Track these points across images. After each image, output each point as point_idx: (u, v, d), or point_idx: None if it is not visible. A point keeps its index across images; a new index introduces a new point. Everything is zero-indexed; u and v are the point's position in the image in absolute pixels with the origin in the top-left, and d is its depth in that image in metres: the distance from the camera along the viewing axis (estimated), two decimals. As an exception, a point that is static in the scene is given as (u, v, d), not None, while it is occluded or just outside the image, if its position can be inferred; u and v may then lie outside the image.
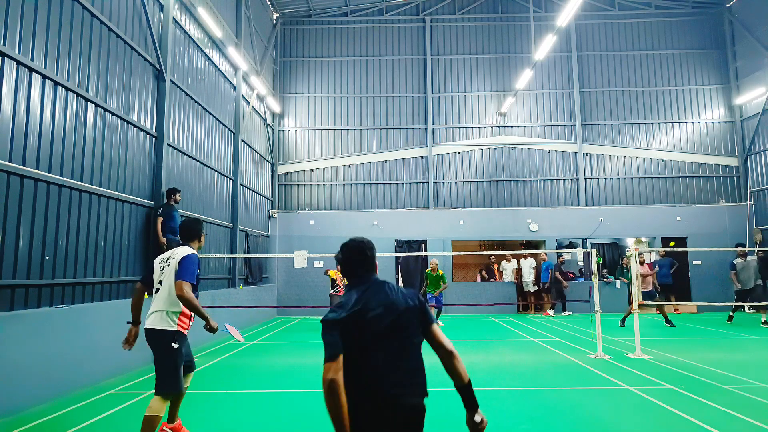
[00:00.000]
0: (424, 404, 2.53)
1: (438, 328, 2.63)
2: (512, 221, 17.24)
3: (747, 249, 12.88)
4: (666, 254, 15.53)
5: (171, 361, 4.15)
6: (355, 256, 2.70)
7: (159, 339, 4.16)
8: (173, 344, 4.15)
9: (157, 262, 4.44)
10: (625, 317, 12.70)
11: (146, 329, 4.22)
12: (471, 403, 2.53)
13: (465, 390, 2.56)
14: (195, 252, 4.39)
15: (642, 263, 13.12)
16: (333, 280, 13.26)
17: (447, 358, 2.59)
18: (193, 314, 4.30)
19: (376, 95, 18.64)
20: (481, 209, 17.67)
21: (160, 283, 4.31)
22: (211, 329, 4.25)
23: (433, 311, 12.77)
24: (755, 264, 12.73)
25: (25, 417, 5.30)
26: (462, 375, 2.58)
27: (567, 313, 15.99)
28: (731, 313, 13.40)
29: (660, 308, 12.94)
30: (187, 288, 4.11)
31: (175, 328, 4.20)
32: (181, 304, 4.16)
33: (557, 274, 15.95)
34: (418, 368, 2.56)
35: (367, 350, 2.47)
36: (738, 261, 12.86)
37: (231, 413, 5.53)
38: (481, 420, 2.51)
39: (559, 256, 16.04)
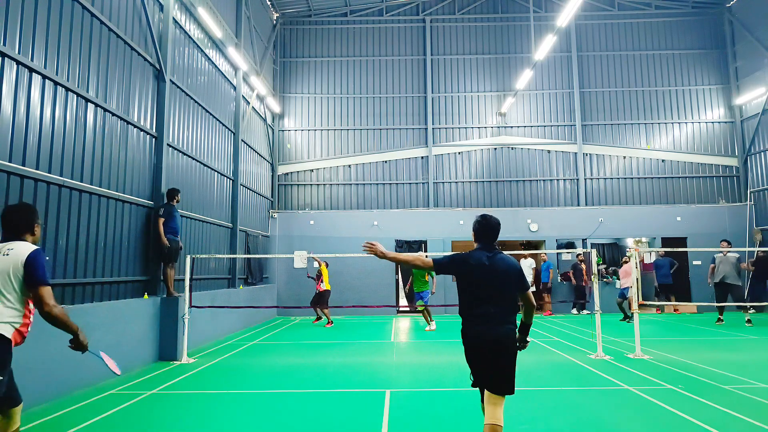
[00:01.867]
0: (501, 338, 3.70)
1: (530, 294, 3.89)
2: (512, 221, 17.24)
3: (729, 248, 12.58)
4: (666, 254, 15.53)
5: None
6: (486, 228, 3.90)
7: None
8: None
9: None
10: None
11: None
12: (526, 331, 3.91)
13: (527, 326, 3.92)
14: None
15: (626, 262, 13.73)
16: (320, 274, 13.55)
17: (527, 309, 3.92)
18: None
19: (376, 95, 18.64)
20: (481, 209, 17.64)
21: None
22: (80, 346, 3.46)
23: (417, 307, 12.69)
24: (734, 260, 12.52)
25: (25, 417, 5.29)
26: (528, 321, 3.92)
27: (585, 312, 15.99)
28: (720, 316, 13.08)
29: (620, 304, 13.77)
30: (51, 297, 3.27)
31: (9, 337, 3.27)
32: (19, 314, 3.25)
33: (570, 273, 16.18)
34: (508, 312, 3.77)
35: (465, 291, 3.84)
36: (718, 255, 12.72)
37: (231, 413, 5.53)
38: (526, 341, 3.91)
39: (578, 254, 15.97)
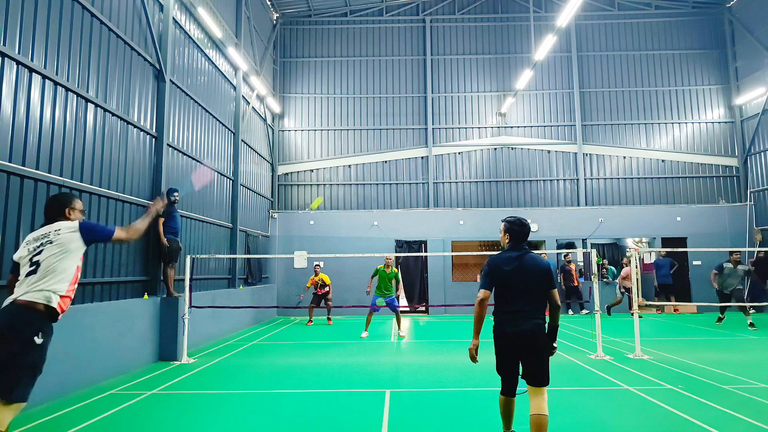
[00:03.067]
0: (531, 333, 3.96)
1: (555, 292, 4.06)
2: (512, 221, 17.23)
3: (739, 256, 12.36)
4: (666, 254, 15.53)
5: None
6: (518, 228, 4.17)
7: (24, 324, 3.43)
8: (36, 338, 3.46)
9: (27, 245, 3.69)
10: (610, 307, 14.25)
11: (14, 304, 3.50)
12: (554, 337, 4.13)
13: (554, 329, 4.12)
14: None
15: (626, 264, 13.92)
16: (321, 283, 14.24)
17: (553, 310, 4.10)
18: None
19: (376, 95, 18.64)
20: (481, 209, 17.67)
21: (36, 264, 3.57)
22: (159, 207, 4.18)
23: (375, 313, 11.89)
24: (742, 273, 12.31)
25: (25, 417, 5.29)
26: (554, 323, 4.11)
27: (585, 312, 15.97)
28: (721, 315, 13.10)
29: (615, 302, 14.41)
30: (122, 233, 3.92)
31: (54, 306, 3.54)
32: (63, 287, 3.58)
33: (561, 276, 15.94)
34: (537, 308, 4.03)
35: (498, 291, 4.11)
36: (727, 265, 12.30)
37: (231, 413, 5.53)
38: (554, 347, 4.15)
39: (565, 255, 16.00)
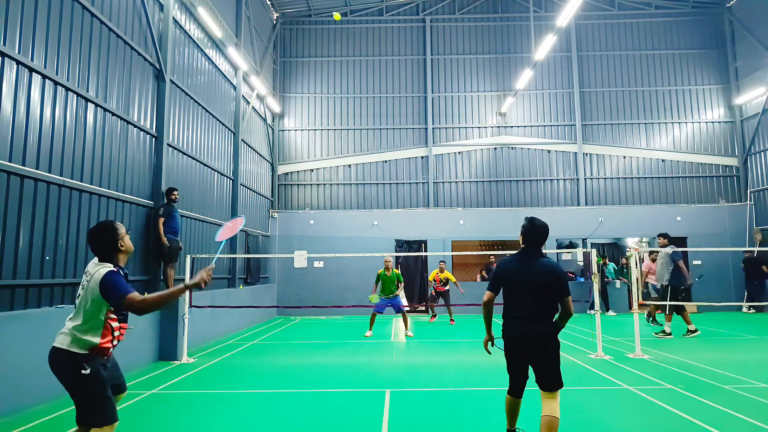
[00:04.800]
0: (543, 336, 3.89)
1: (569, 299, 3.91)
2: (512, 221, 17.23)
3: (665, 240, 10.87)
4: None
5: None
6: (531, 232, 4.10)
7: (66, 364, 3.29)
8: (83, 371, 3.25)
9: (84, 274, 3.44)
10: (652, 315, 12.73)
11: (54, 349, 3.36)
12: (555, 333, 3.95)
13: (557, 330, 3.95)
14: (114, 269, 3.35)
15: (654, 260, 12.56)
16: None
17: (563, 314, 3.95)
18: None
19: (376, 95, 18.64)
20: (481, 209, 17.67)
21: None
22: (199, 285, 3.34)
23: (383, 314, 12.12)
24: (667, 259, 10.69)
25: (25, 417, 5.30)
26: (560, 325, 3.94)
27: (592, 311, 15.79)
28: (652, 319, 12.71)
29: (655, 306, 12.68)
30: (134, 302, 3.22)
31: (85, 351, 3.28)
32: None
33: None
34: (543, 314, 3.93)
35: (505, 294, 4.09)
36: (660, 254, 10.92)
37: (231, 413, 5.53)
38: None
39: (602, 255, 15.77)
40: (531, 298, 3.93)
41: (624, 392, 6.22)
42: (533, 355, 3.94)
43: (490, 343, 4.16)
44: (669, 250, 10.52)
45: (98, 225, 3.48)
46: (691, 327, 10.64)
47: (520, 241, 4.15)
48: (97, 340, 3.29)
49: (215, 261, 3.80)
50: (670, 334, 10.53)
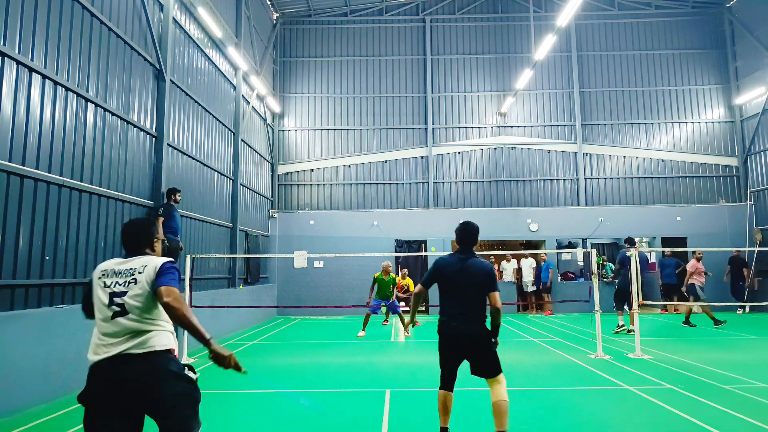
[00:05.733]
0: (475, 334, 4.21)
1: (496, 294, 4.18)
2: (512, 221, 17.25)
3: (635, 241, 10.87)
4: (672, 254, 15.54)
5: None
6: (464, 234, 4.50)
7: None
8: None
9: (99, 277, 2.96)
10: (687, 316, 12.41)
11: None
12: (495, 333, 4.23)
13: (495, 327, 4.23)
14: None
15: (699, 260, 12.19)
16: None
17: (493, 312, 4.21)
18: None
19: (376, 95, 18.64)
20: (481, 209, 17.67)
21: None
22: (219, 358, 2.87)
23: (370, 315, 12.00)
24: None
25: (25, 417, 5.30)
26: (495, 322, 4.21)
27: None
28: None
29: (705, 308, 12.36)
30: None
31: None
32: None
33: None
34: (477, 311, 4.25)
35: (442, 292, 4.38)
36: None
37: (231, 413, 5.53)
38: (496, 341, 4.25)
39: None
40: (465, 297, 4.26)
41: (624, 392, 6.22)
42: (469, 351, 4.24)
43: (411, 325, 4.66)
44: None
45: (140, 219, 3.30)
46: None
47: (455, 244, 4.56)
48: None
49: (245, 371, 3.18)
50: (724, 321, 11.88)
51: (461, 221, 4.61)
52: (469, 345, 4.22)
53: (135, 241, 3.11)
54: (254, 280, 15.09)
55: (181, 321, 2.76)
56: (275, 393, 6.51)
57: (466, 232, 4.50)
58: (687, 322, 12.42)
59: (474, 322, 4.21)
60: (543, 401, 5.88)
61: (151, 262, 2.97)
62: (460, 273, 4.28)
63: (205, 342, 2.79)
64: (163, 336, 2.88)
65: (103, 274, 2.96)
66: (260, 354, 9.49)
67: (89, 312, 2.99)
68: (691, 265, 12.39)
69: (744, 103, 17.76)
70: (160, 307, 2.87)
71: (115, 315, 2.83)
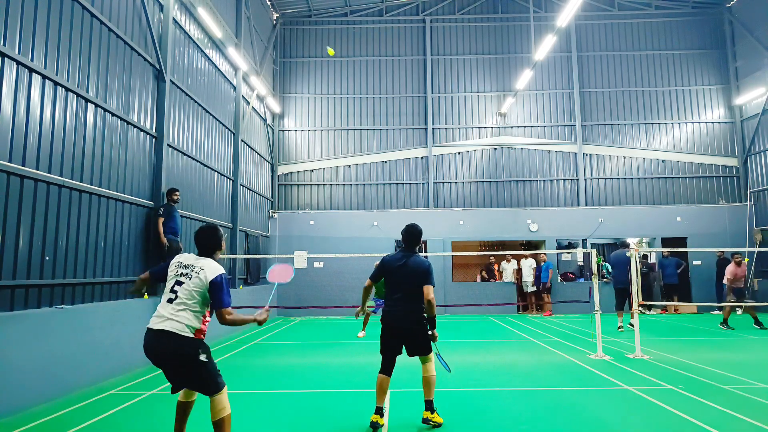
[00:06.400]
0: (412, 328, 4.93)
1: (428, 288, 4.86)
2: (512, 221, 17.24)
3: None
4: (672, 254, 15.53)
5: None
6: (407, 235, 5.13)
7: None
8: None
9: (175, 266, 3.91)
10: (725, 318, 12.00)
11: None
12: (431, 324, 4.94)
13: (430, 319, 4.91)
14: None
15: (739, 264, 11.74)
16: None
17: (426, 303, 4.84)
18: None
19: (376, 95, 18.64)
20: (481, 209, 17.67)
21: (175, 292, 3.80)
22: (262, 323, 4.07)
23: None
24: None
25: (25, 417, 5.30)
26: (429, 313, 4.87)
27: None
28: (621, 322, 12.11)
29: (750, 309, 12.22)
30: (227, 314, 3.77)
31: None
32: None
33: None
34: (415, 303, 4.91)
35: (386, 284, 5.12)
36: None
37: (231, 413, 5.52)
38: (434, 334, 4.97)
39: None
40: (406, 287, 4.93)
41: (624, 392, 6.22)
42: (406, 334, 4.95)
43: (361, 312, 5.52)
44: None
45: (210, 226, 4.11)
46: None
47: (399, 242, 4.95)
48: (200, 325, 3.78)
49: (270, 302, 4.72)
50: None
51: (407, 224, 5.23)
52: (405, 329, 4.92)
53: (205, 245, 4.00)
54: (254, 281, 15.08)
55: (237, 326, 3.98)
56: (275, 393, 6.51)
57: (409, 234, 5.15)
58: (725, 323, 12.00)
59: (411, 312, 4.89)
60: (543, 401, 5.87)
61: (208, 269, 3.81)
62: (401, 268, 4.96)
63: (253, 321, 3.98)
64: (191, 326, 3.71)
65: (178, 265, 3.88)
66: (260, 354, 9.49)
67: (156, 277, 4.11)
68: (731, 271, 11.77)
69: (744, 103, 17.76)
70: (200, 305, 3.76)
71: (170, 300, 3.75)
